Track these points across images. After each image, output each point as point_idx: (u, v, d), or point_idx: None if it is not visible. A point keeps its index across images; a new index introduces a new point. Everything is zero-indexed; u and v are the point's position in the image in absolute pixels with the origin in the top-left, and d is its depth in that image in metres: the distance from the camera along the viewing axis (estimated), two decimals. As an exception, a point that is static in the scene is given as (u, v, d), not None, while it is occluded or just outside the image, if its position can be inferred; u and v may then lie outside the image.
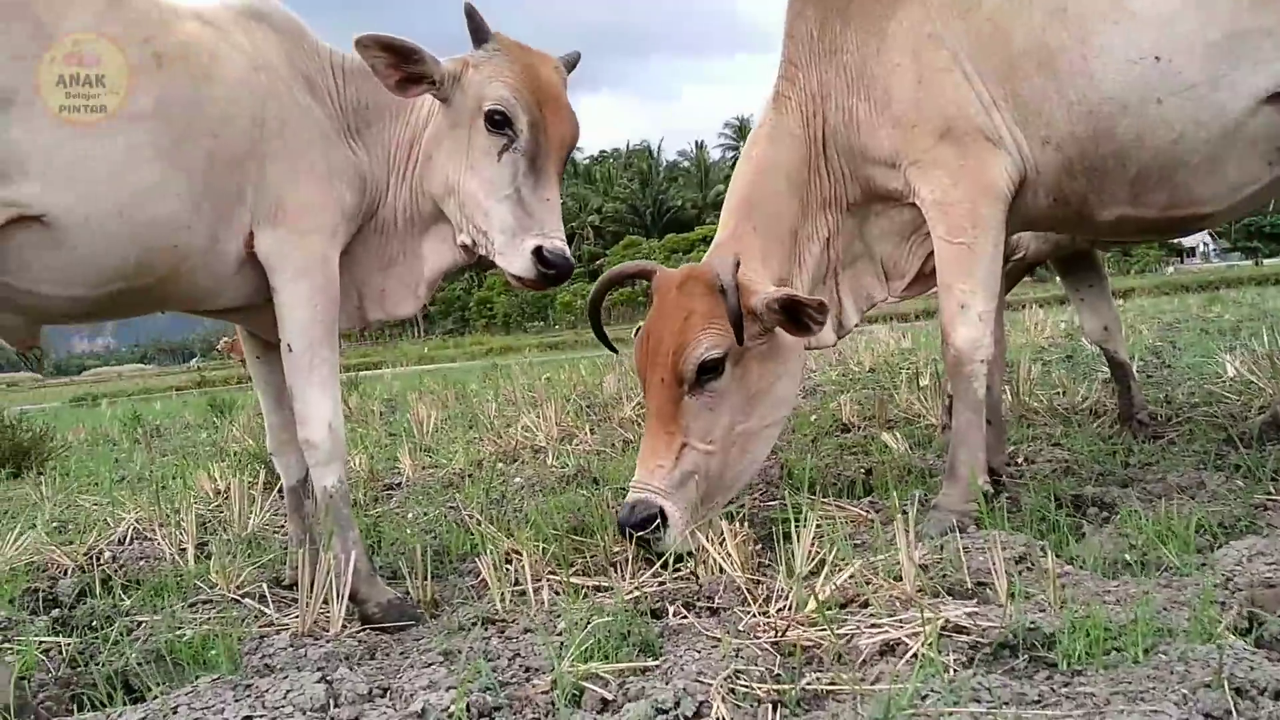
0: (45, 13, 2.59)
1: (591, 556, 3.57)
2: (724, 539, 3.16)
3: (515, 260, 3.22)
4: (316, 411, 3.17)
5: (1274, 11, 3.04)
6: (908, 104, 3.51)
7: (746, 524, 3.39)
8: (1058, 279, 5.88)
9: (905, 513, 2.90)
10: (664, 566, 3.26)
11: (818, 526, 3.24)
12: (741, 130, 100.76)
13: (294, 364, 3.16)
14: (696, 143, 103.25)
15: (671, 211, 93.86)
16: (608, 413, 8.18)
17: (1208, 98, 3.13)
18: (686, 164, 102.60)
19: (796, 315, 3.34)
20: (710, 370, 3.40)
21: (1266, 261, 52.64)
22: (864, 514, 3.71)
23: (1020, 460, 4.56)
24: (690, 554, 3.28)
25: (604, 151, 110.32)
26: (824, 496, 4.10)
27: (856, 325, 4.11)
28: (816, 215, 3.87)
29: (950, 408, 5.30)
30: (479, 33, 3.32)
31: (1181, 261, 73.52)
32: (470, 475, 5.82)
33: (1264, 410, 5.26)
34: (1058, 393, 6.59)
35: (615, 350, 4.18)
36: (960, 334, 3.51)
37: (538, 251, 3.19)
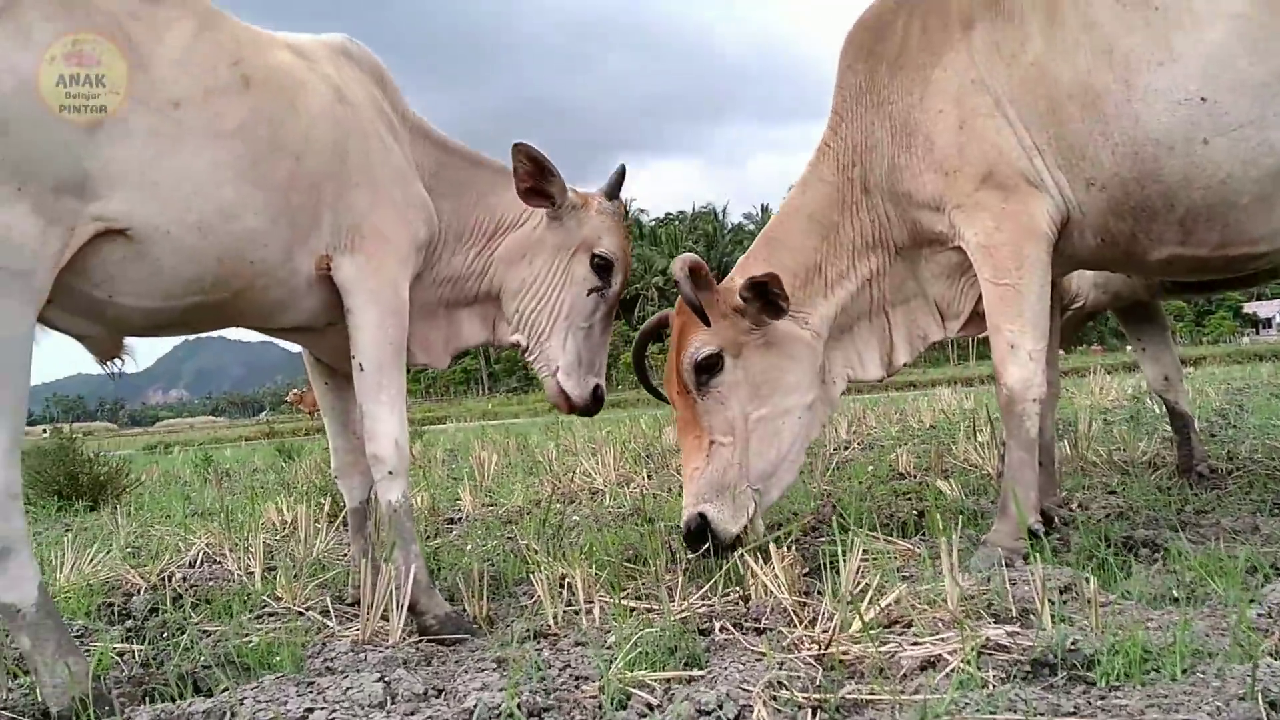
0: (142, 37, 2.72)
1: (643, 581, 3.65)
2: (771, 562, 3.23)
3: (577, 388, 3.92)
4: (384, 428, 3.29)
5: None
6: (950, 150, 3.59)
7: (794, 549, 3.45)
8: (1128, 347, 5.89)
9: (949, 540, 2.96)
10: (713, 590, 3.33)
11: (865, 556, 3.32)
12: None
13: (364, 383, 3.30)
14: (761, 206, 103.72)
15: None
16: (666, 460, 8.26)
17: (1256, 137, 3.14)
18: (751, 226, 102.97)
19: (768, 299, 3.72)
20: (709, 369, 3.81)
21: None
22: (913, 549, 3.75)
23: (1075, 505, 4.56)
24: (740, 540, 3.65)
25: (669, 214, 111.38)
26: (873, 531, 4.15)
27: (906, 363, 4.18)
28: (855, 256, 4.03)
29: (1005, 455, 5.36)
30: (617, 189, 4.00)
31: (1257, 333, 71.94)
32: (528, 513, 5.93)
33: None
34: (1117, 447, 6.56)
35: (663, 398, 4.25)
36: (1012, 373, 3.56)
37: (596, 389, 3.95)
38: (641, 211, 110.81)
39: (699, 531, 3.64)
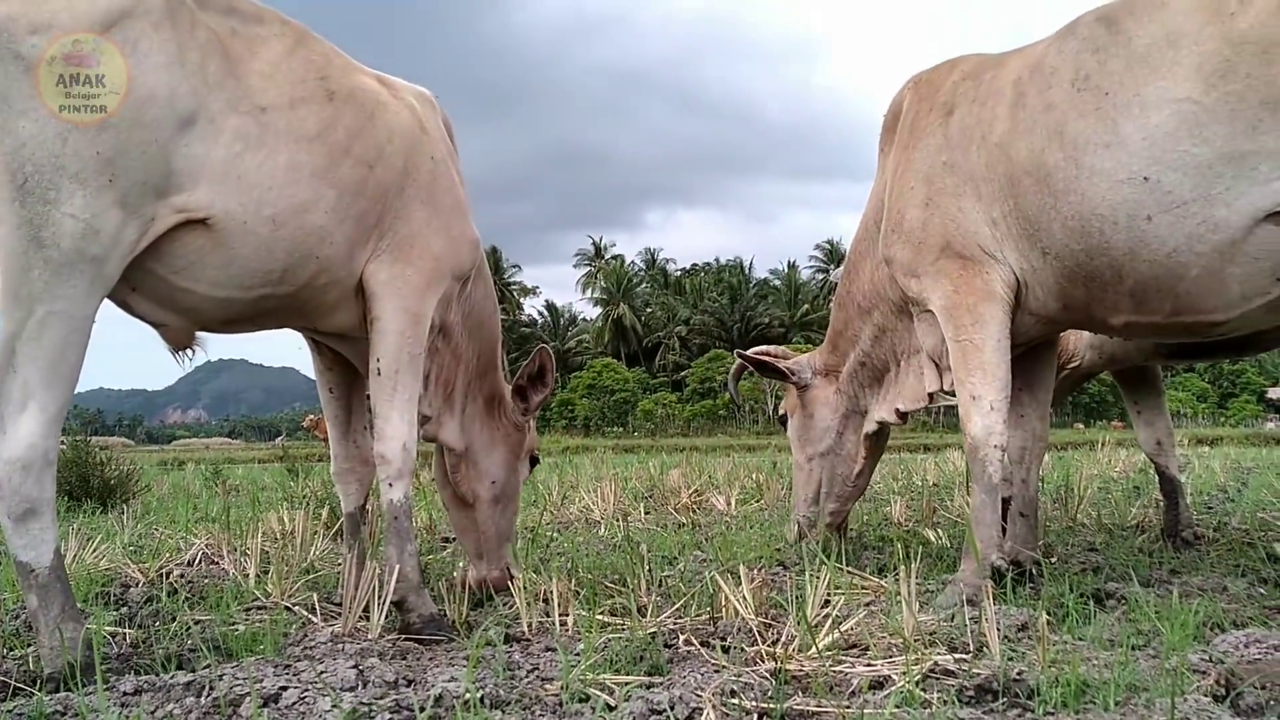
0: (238, 50, 3.01)
1: (620, 599, 3.76)
2: (740, 584, 3.34)
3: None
4: (394, 430, 3.47)
5: (1273, 134, 3.10)
6: (916, 223, 3.96)
7: (765, 577, 3.56)
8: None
9: (909, 569, 3.06)
10: (685, 609, 3.44)
11: (836, 589, 3.43)
12: (832, 253, 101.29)
13: (380, 385, 3.49)
14: (789, 262, 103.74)
15: (759, 328, 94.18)
16: (665, 499, 8.36)
17: (1201, 214, 3.23)
18: (777, 282, 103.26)
19: (766, 369, 5.20)
20: (784, 423, 5.34)
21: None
22: (883, 585, 3.85)
23: (1054, 559, 4.64)
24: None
25: (695, 265, 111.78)
26: (849, 567, 4.25)
27: (915, 409, 4.60)
28: (863, 315, 4.69)
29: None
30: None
31: (1280, 416, 71.33)
32: (522, 536, 6.03)
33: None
34: (1109, 511, 6.63)
35: (739, 403, 5.66)
36: (975, 422, 3.77)
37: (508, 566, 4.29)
38: (668, 261, 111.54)
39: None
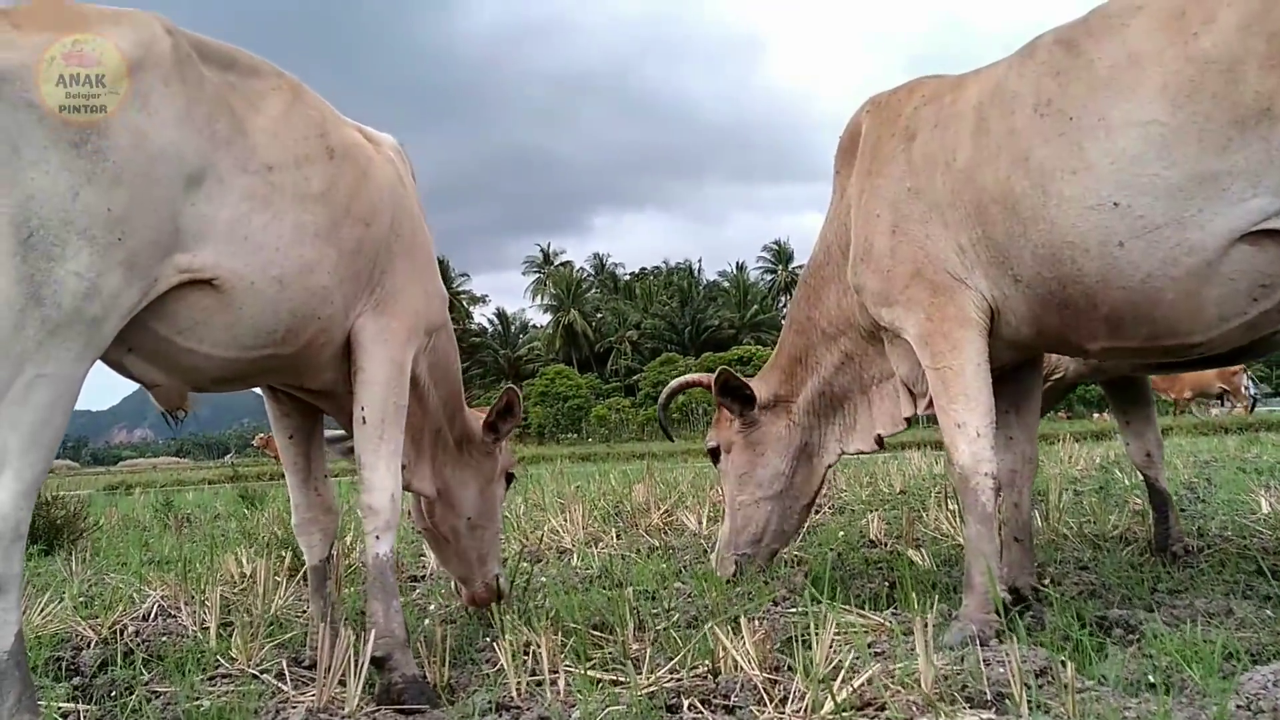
0: (241, 107, 2.93)
1: (610, 651, 3.56)
2: (742, 635, 3.15)
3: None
4: (382, 481, 3.39)
5: (1243, 153, 3.00)
6: (884, 251, 3.84)
7: (764, 624, 3.38)
8: (1095, 415, 5.89)
9: (923, 617, 2.90)
10: (681, 663, 3.25)
11: (837, 632, 3.26)
12: (780, 253, 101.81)
13: (366, 435, 3.42)
14: (737, 264, 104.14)
15: (709, 330, 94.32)
16: (635, 519, 8.17)
17: (1174, 238, 3.12)
18: (726, 284, 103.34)
19: (735, 394, 4.75)
20: (714, 457, 4.94)
21: (1311, 409, 51.50)
22: (884, 623, 3.68)
23: (1046, 581, 4.52)
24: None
25: (644, 269, 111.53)
26: (845, 604, 4.09)
27: (887, 436, 4.49)
28: (828, 341, 4.55)
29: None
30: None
31: (1223, 404, 72.43)
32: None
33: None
34: (1088, 520, 6.53)
35: (672, 438, 5.48)
36: (962, 451, 3.64)
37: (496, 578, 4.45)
38: (617, 265, 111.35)
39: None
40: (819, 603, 4.02)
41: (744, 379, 4.75)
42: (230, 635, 4.14)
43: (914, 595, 3.79)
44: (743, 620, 3.23)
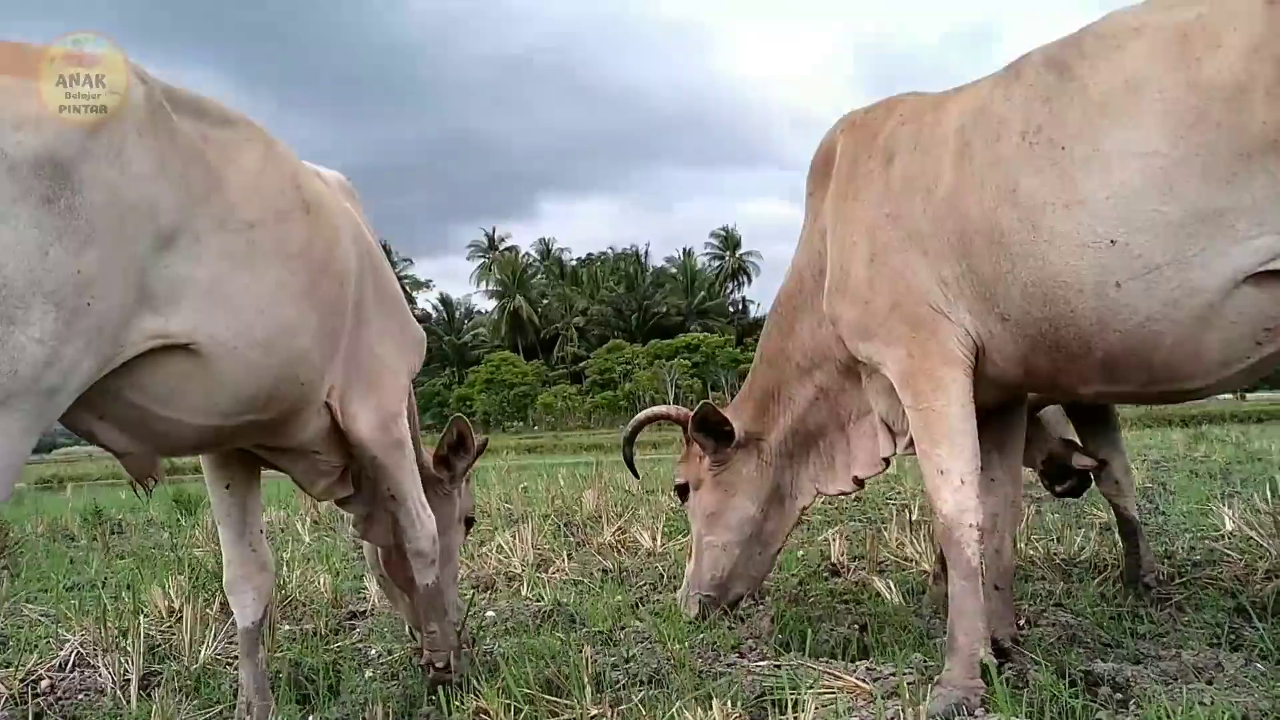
0: (216, 160, 2.72)
1: (569, 716, 3.30)
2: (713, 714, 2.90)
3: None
4: (424, 530, 3.67)
5: (1249, 188, 2.79)
6: (861, 281, 3.60)
7: (738, 703, 3.13)
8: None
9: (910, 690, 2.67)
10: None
11: (810, 689, 3.05)
12: (728, 240, 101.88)
13: (398, 507, 3.63)
14: (685, 250, 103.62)
15: (656, 317, 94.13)
16: (587, 535, 7.91)
17: (1176, 279, 2.90)
18: (674, 270, 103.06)
19: (713, 431, 4.41)
20: (683, 494, 4.64)
21: (1249, 396, 52.48)
22: (861, 684, 3.43)
23: (1022, 622, 4.32)
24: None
25: (591, 254, 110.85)
26: (816, 658, 3.86)
27: (870, 475, 4.25)
28: (802, 375, 4.25)
29: (941, 555, 5.12)
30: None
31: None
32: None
33: (1271, 575, 5.09)
34: (1053, 539, 6.38)
35: (638, 475, 5.40)
36: (946, 500, 3.40)
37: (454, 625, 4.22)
38: (564, 251, 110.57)
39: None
40: (788, 650, 3.83)
41: (724, 414, 4.42)
42: (153, 690, 3.84)
43: (890, 651, 3.55)
44: (715, 706, 2.96)
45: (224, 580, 3.57)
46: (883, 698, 3.26)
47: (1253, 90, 2.77)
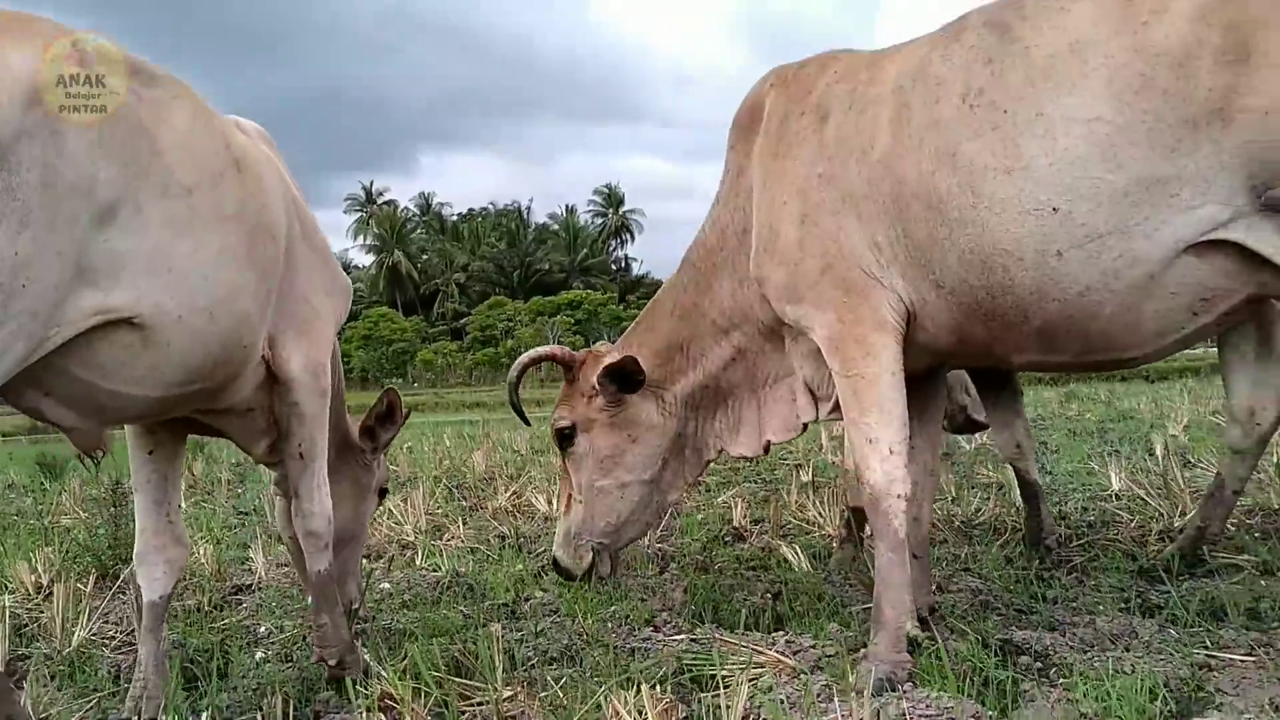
0: (150, 122, 2.56)
1: (480, 705, 3.12)
2: (644, 708, 2.75)
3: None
4: (320, 508, 3.44)
5: (1193, 156, 2.76)
6: (791, 242, 3.44)
7: (665, 686, 3.00)
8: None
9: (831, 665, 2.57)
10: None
11: (730, 666, 2.96)
12: (610, 197, 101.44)
13: (304, 470, 3.40)
14: (567, 207, 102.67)
15: (539, 274, 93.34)
16: (480, 499, 7.71)
17: (1118, 248, 2.86)
18: (556, 227, 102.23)
19: (626, 380, 3.99)
20: (567, 439, 4.16)
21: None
22: (784, 659, 3.33)
23: (934, 588, 4.29)
24: (592, 573, 4.16)
25: (472, 210, 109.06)
26: (731, 630, 3.76)
27: (784, 440, 4.09)
28: (718, 334, 4.01)
29: (850, 521, 5.09)
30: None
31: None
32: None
33: (1165, 535, 5.19)
34: (950, 499, 6.42)
35: (529, 423, 4.72)
36: (874, 470, 3.30)
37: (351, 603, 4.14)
38: (443, 205, 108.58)
39: (555, 567, 4.22)
40: (703, 625, 3.73)
41: (643, 367, 3.99)
42: (22, 678, 3.54)
43: (807, 623, 3.46)
44: (644, 690, 2.81)
45: (136, 550, 3.36)
46: (807, 672, 3.18)
47: (1199, 56, 2.71)
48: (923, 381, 3.76)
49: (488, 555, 5.67)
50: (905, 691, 2.98)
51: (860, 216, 3.27)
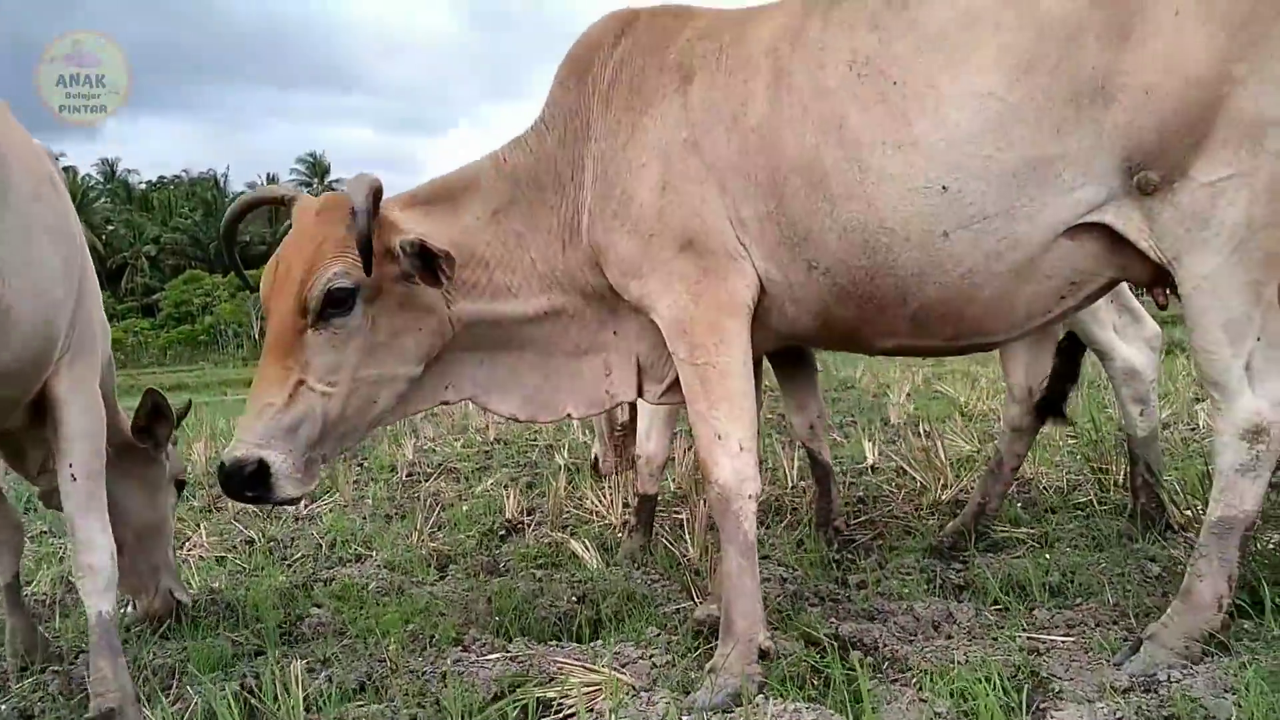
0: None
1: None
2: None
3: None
4: (100, 539, 3.19)
5: (1075, 135, 2.72)
6: (648, 210, 3.11)
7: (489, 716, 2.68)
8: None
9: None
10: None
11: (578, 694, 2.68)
12: (315, 167, 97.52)
13: (77, 492, 3.17)
14: (269, 176, 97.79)
15: (240, 246, 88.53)
16: (212, 497, 7.03)
17: (1003, 230, 2.79)
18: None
19: (431, 264, 3.05)
20: (338, 304, 3.08)
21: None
22: (618, 675, 3.06)
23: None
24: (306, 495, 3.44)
25: (163, 178, 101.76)
26: (545, 643, 3.47)
27: (573, 418, 3.66)
28: (531, 283, 3.40)
29: (639, 507, 4.90)
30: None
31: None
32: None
33: (934, 509, 5.31)
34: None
35: (252, 287, 3.93)
36: (723, 466, 3.07)
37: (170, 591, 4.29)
38: (130, 173, 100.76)
39: (253, 477, 3.00)
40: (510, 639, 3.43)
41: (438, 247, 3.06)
42: None
43: (624, 627, 3.23)
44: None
45: None
46: (647, 689, 2.94)
47: (1087, 31, 2.66)
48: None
49: (239, 565, 5.11)
50: (757, 705, 2.80)
51: (724, 190, 3.03)
